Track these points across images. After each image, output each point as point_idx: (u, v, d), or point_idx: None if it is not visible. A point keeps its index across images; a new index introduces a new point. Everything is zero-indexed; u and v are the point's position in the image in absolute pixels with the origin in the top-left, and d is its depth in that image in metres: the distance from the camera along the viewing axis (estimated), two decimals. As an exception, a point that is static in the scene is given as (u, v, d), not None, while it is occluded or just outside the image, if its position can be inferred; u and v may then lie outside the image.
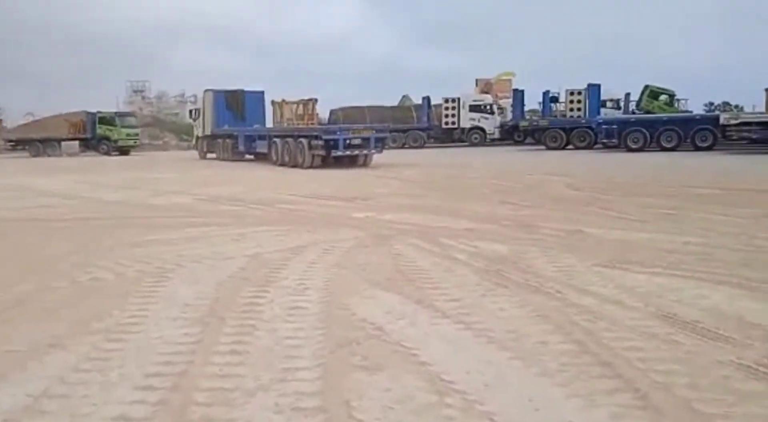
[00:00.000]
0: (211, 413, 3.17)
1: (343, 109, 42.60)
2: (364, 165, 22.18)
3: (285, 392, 3.39)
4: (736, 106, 45.36)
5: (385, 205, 11.33)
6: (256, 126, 28.35)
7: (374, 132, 22.31)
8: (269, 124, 30.43)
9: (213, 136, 29.96)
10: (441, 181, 16.58)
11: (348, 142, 21.30)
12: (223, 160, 28.41)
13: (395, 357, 3.88)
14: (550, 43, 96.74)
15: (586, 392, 3.31)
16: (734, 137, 29.00)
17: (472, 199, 12.05)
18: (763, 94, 31.72)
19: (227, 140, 28.42)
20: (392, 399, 3.29)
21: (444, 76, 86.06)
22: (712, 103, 55.05)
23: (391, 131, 29.71)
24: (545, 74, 78.64)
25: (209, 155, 30.35)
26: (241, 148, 27.15)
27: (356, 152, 21.71)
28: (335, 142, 21.17)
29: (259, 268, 6.31)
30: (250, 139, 26.56)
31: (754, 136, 28.27)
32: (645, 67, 77.17)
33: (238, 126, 28.61)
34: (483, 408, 3.16)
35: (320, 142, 21.24)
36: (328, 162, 21.65)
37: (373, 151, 21.90)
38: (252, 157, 27.09)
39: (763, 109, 30.06)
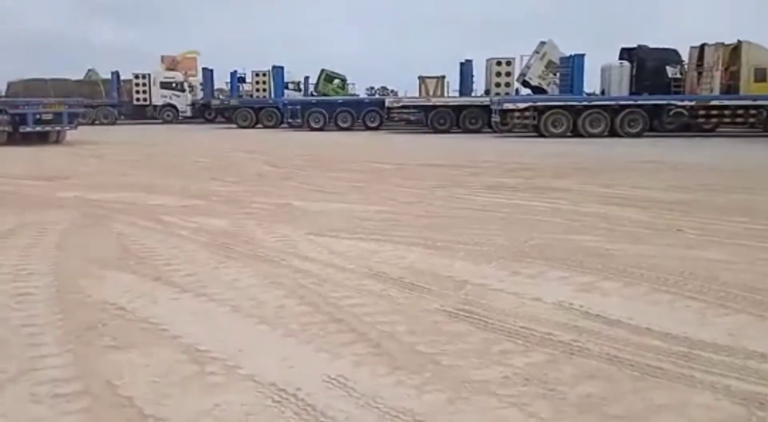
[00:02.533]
0: (-41, 411, 2.80)
1: (23, 82, 38.14)
2: (57, 142, 20.03)
3: (39, 381, 3.09)
4: (393, 91, 48.58)
5: (91, 183, 10.52)
6: None
7: (67, 107, 20.23)
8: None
9: None
10: (144, 158, 15.78)
11: (38, 117, 19.05)
12: None
13: (145, 334, 3.74)
14: (232, 24, 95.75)
15: (329, 346, 3.53)
16: (396, 118, 31.85)
17: (180, 176, 11.71)
18: (416, 81, 34.82)
19: None
20: (154, 373, 3.19)
21: (126, 51, 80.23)
22: (372, 88, 58.38)
23: (80, 106, 27.34)
24: (228, 54, 77.49)
25: None
26: None
27: (48, 128, 19.49)
28: (23, 117, 18.81)
29: (-33, 255, 5.54)
30: None
31: (412, 118, 31.40)
32: (320, 53, 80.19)
33: None
34: (243, 371, 3.21)
35: (6, 117, 18.76)
36: (15, 139, 19.16)
37: (66, 127, 19.89)
38: None
39: (416, 94, 32.78)
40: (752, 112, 23.87)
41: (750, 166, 13.76)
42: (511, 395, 2.94)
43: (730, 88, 24.70)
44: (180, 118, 38.68)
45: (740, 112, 23.83)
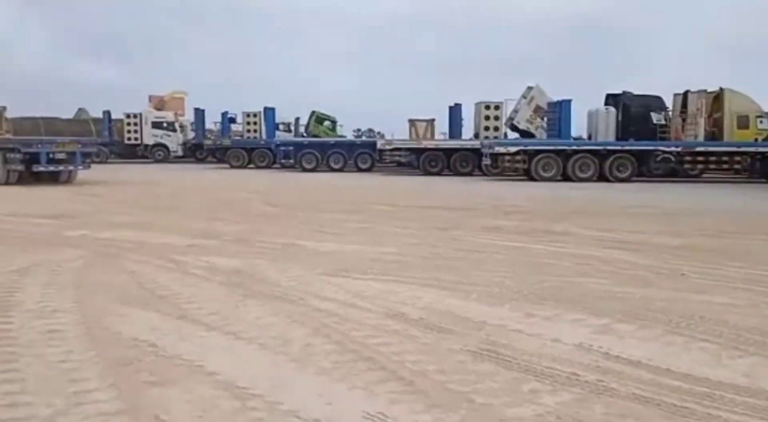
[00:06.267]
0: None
1: (12, 121, 38.11)
2: (68, 182, 19.63)
3: (87, 414, 3.16)
4: (379, 133, 48.91)
5: (96, 222, 10.56)
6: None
7: (80, 146, 19.97)
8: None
9: None
10: (144, 198, 15.83)
11: (51, 156, 18.80)
12: None
13: (182, 370, 3.81)
14: (222, 64, 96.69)
15: (363, 384, 3.62)
16: (387, 160, 32.06)
17: (183, 215, 11.80)
18: (403, 124, 35.04)
19: None
20: (198, 408, 3.27)
21: (111, 91, 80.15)
22: (359, 129, 58.56)
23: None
24: (216, 94, 77.66)
25: None
26: None
27: (60, 168, 19.16)
28: (36, 156, 18.51)
29: (-14, 292, 5.58)
30: None
31: (403, 160, 31.64)
32: (310, 94, 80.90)
33: None
34: (284, 407, 3.29)
35: (18, 156, 18.38)
36: (26, 178, 18.84)
37: (80, 167, 19.60)
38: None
39: (405, 137, 33.00)
40: (737, 158, 24.39)
41: (738, 210, 14.07)
42: (547, 432, 3.05)
43: (714, 134, 25.27)
44: (171, 157, 38.84)
45: (725, 158, 24.32)
